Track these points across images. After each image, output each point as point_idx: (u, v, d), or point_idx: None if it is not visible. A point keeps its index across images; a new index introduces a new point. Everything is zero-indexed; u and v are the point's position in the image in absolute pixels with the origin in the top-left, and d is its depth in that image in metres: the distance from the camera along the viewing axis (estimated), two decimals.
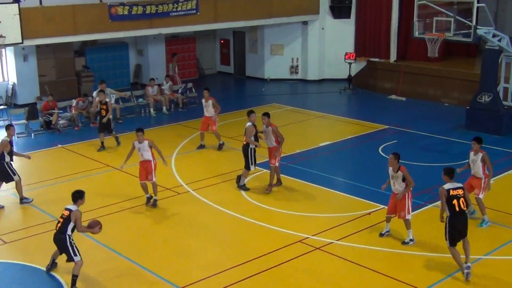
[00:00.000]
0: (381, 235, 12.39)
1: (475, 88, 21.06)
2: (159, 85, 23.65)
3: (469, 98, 21.43)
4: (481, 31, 19.07)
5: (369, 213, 13.58)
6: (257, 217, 13.43)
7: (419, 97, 25.39)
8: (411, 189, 11.96)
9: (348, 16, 28.81)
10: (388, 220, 12.44)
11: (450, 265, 11.12)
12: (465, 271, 10.69)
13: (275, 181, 15.25)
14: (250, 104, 24.93)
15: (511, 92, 20.59)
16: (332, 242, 12.18)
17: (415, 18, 20.41)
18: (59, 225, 10.57)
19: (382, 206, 13.84)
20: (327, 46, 29.15)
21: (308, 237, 12.41)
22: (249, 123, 14.98)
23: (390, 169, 12.00)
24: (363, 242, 12.20)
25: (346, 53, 27.61)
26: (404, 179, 11.88)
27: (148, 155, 13.91)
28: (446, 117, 22.32)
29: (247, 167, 15.02)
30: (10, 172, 14.19)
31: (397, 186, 12.00)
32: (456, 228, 10.68)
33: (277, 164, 15.07)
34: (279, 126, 20.74)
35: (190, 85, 25.36)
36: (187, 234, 12.77)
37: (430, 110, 23.70)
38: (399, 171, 11.87)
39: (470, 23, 19.02)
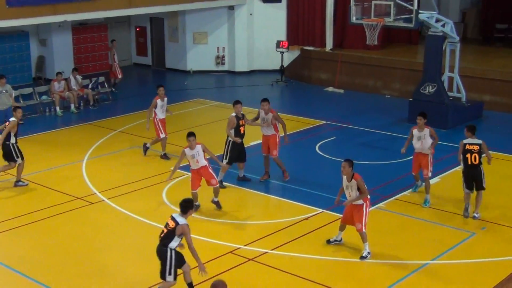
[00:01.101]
0: (329, 242, 12.47)
1: (418, 78, 21.63)
2: (66, 80, 23.18)
3: (412, 89, 22.01)
4: (423, 15, 19.58)
5: (307, 218, 13.73)
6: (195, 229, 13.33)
7: (358, 89, 25.88)
8: (368, 198, 11.99)
9: (279, 0, 29.06)
10: (342, 228, 12.45)
11: (396, 272, 11.38)
12: (473, 215, 13.50)
13: (265, 178, 15.86)
14: (171, 99, 24.74)
15: (456, 82, 21.26)
16: (266, 252, 12.24)
17: (352, 2, 20.79)
18: (162, 235, 10.36)
19: (321, 210, 14.02)
20: (257, 33, 29.30)
21: (239, 247, 12.44)
22: (232, 114, 15.30)
23: (344, 178, 11.93)
24: (301, 250, 12.31)
25: (278, 42, 27.83)
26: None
27: (203, 161, 13.82)
28: (387, 110, 22.82)
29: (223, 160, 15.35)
30: (14, 154, 15.47)
31: (354, 196, 11.96)
32: (467, 179, 13.55)
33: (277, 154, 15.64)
34: (203, 124, 20.95)
35: (101, 79, 25.01)
36: (102, 249, 12.57)
37: (370, 103, 24.19)
38: (353, 180, 11.82)
39: (411, 7, 19.49)
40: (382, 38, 25.79)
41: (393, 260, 11.89)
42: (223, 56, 29.88)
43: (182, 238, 10.29)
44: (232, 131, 15.28)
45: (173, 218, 10.29)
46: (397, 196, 14.88)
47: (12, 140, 15.46)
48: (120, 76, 26.05)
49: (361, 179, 11.83)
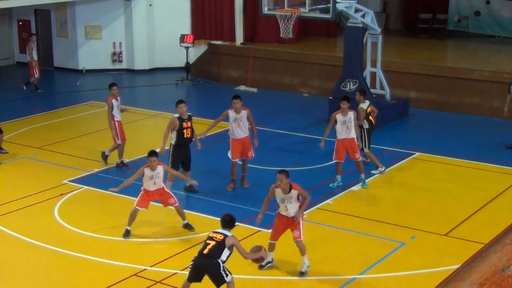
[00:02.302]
0: (261, 267, 12.31)
1: (338, 74, 22.00)
2: None
3: (332, 86, 22.38)
4: (341, 5, 19.91)
5: None
6: (78, 247, 13.13)
7: (273, 87, 26.13)
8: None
9: None
10: (271, 247, 12.37)
11: None
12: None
13: (232, 186, 16.04)
14: (60, 102, 24.37)
15: (379, 77, 21.73)
16: (176, 273, 12.18)
17: None
18: (207, 250, 10.68)
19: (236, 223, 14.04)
20: (158, 27, 29.17)
21: (145, 269, 12.33)
22: (175, 115, 15.32)
23: (278, 191, 11.94)
24: None
25: (182, 36, 27.78)
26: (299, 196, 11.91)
27: (161, 183, 13.66)
28: (305, 110, 23.13)
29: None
30: None
31: (291, 209, 11.93)
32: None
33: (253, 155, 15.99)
34: (99, 130, 20.68)
35: None
36: None
37: (286, 102, 24.46)
38: (293, 190, 11.85)
39: None
40: (297, 31, 26.20)
41: (317, 276, 12.03)
42: (120, 53, 29.60)
43: (232, 251, 10.78)
44: (174, 135, 15.30)
45: (217, 232, 10.88)
46: (318, 205, 15.06)
47: None
48: (36, 76, 25.60)
49: (301, 187, 12.01)
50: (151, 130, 21.11)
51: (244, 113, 15.76)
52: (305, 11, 20.21)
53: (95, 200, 15.60)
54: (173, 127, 15.32)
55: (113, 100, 17.53)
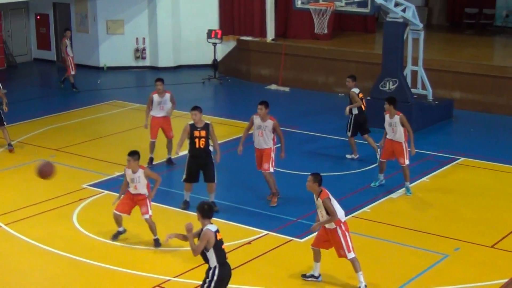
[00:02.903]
0: (304, 276, 12.27)
1: (376, 72, 21.91)
2: None
3: (370, 86, 22.26)
4: None
5: (249, 242, 13.73)
6: (98, 256, 13.21)
7: (306, 87, 26.07)
8: (342, 222, 11.88)
9: None
10: (316, 258, 12.22)
11: None
12: None
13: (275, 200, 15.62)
14: (80, 102, 24.51)
15: (421, 77, 21.59)
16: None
17: None
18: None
19: (266, 232, 14.05)
20: (184, 21, 29.25)
21: (168, 280, 12.36)
22: (189, 122, 15.13)
23: (315, 196, 11.96)
24: (243, 281, 12.27)
25: (210, 31, 27.81)
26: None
27: (143, 190, 13.59)
28: (341, 111, 22.95)
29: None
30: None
31: (323, 218, 11.89)
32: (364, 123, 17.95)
33: (272, 169, 15.46)
34: (120, 131, 20.78)
35: None
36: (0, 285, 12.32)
37: (321, 102, 24.39)
38: (319, 199, 11.79)
39: None
40: (332, 26, 26.21)
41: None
42: (144, 49, 29.73)
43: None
44: (189, 141, 15.12)
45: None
46: (355, 214, 14.99)
47: None
48: (73, 73, 25.90)
49: (328, 199, 11.75)
50: (174, 132, 21.12)
51: (270, 122, 15.44)
52: (341, 4, 20.14)
53: None
54: (186, 135, 15.20)
55: (155, 95, 17.94)
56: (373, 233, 14.16)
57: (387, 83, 20.86)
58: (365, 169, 17.25)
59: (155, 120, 18.08)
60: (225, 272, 10.34)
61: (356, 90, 18.29)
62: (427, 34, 22.04)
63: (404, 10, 20.55)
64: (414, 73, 21.79)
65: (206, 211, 10.41)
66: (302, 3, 20.93)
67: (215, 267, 10.27)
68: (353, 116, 18.20)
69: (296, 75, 26.51)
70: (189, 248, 13.30)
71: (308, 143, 19.72)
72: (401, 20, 20.56)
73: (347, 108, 18.32)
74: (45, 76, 30.18)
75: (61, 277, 12.70)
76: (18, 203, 15.70)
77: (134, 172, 13.45)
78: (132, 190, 13.60)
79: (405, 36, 21.02)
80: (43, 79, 29.62)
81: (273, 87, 26.59)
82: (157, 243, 13.64)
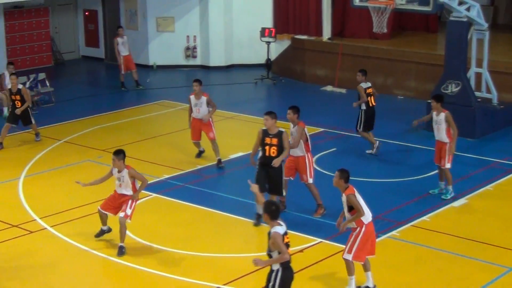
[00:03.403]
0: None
1: (438, 74, 21.75)
2: None
3: (431, 88, 22.11)
4: None
5: (302, 250, 13.75)
6: (147, 262, 13.34)
7: None
8: (366, 223, 11.87)
9: None
10: (366, 266, 12.21)
11: None
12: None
13: (320, 212, 15.53)
14: (128, 101, 24.78)
15: (485, 79, 21.38)
16: None
17: None
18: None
19: (319, 240, 14.05)
20: (236, 19, 29.38)
21: (218, 287, 12.44)
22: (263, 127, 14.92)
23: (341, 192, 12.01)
24: None
25: (263, 29, 27.89)
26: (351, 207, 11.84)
27: (128, 191, 13.80)
28: (400, 115, 22.92)
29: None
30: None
31: (348, 217, 12.00)
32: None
33: (311, 180, 15.46)
34: (169, 132, 20.95)
35: (42, 75, 24.95)
36: None
37: (379, 105, 24.25)
38: (344, 194, 11.87)
39: None
40: (392, 25, 26.06)
41: None
42: (195, 47, 29.93)
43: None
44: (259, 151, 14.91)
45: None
46: (413, 222, 14.93)
47: None
48: (122, 72, 26.34)
49: (353, 195, 11.83)
50: (225, 133, 21.25)
51: (296, 128, 15.16)
52: (402, 2, 20.07)
53: (164, 209, 15.83)
54: (258, 142, 14.91)
55: (191, 96, 18.36)
56: (433, 243, 14.07)
57: (450, 86, 20.70)
58: (426, 175, 17.13)
59: (194, 121, 18.34)
60: (287, 275, 10.27)
61: (364, 85, 19.17)
62: (492, 34, 21.80)
63: (468, 9, 20.37)
64: (478, 76, 21.57)
65: (274, 212, 10.31)
66: (361, 0, 20.90)
67: (277, 270, 10.19)
68: (362, 111, 19.08)
69: (353, 76, 26.19)
70: (239, 254, 13.45)
71: (365, 148, 19.64)
72: (465, 19, 20.38)
73: (355, 104, 19.24)
74: (93, 74, 30.53)
75: (109, 282, 12.86)
76: (64, 205, 15.93)
77: (119, 171, 13.72)
78: (117, 189, 13.85)
79: (469, 37, 20.83)
80: (91, 77, 29.97)
81: (329, 88, 26.57)
82: (120, 251, 13.58)
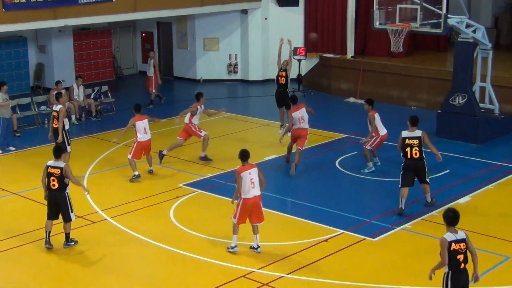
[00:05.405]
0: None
1: (447, 88, 21.61)
2: (67, 89, 23.37)
3: (440, 100, 21.98)
4: (452, 20, 19.59)
5: (326, 240, 13.74)
6: (192, 248, 13.41)
7: (382, 100, 25.81)
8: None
9: (297, 4, 29.21)
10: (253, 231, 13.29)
11: None
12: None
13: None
14: (179, 110, 24.82)
15: (488, 92, 21.22)
16: (282, 276, 12.26)
17: (375, 6, 20.81)
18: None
19: (341, 231, 14.04)
20: (272, 40, 29.37)
21: (253, 271, 12.46)
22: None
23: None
24: (319, 275, 12.31)
25: (295, 48, 27.90)
26: None
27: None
28: None
29: None
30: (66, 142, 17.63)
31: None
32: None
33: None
34: (214, 137, 21.05)
35: (105, 88, 25.18)
36: (106, 272, 12.64)
37: (395, 115, 24.12)
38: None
39: (439, 12, 19.52)
40: (407, 45, 25.94)
41: (420, 286, 11.87)
42: (236, 64, 30.02)
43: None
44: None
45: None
46: (424, 217, 14.86)
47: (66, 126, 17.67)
48: (154, 91, 25.93)
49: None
50: (261, 138, 21.28)
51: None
52: (416, 25, 19.94)
53: (208, 204, 15.90)
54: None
55: (198, 106, 18.89)
56: (441, 235, 13.76)
57: (457, 98, 20.57)
58: (434, 176, 17.04)
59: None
60: (458, 279, 9.90)
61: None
62: (495, 53, 21.60)
63: (474, 31, 20.24)
64: (483, 89, 21.40)
65: (451, 218, 9.94)
66: (380, 24, 20.83)
67: (448, 273, 9.94)
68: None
69: (373, 89, 26.33)
70: (270, 243, 13.45)
71: (383, 152, 19.48)
72: (471, 40, 20.24)
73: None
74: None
75: (158, 265, 12.96)
76: (122, 199, 16.08)
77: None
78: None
79: (474, 55, 20.69)
80: (147, 90, 30.17)
81: (352, 100, 26.51)
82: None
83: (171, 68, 31.33)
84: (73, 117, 22.84)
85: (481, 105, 20.98)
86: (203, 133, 18.69)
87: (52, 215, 13.35)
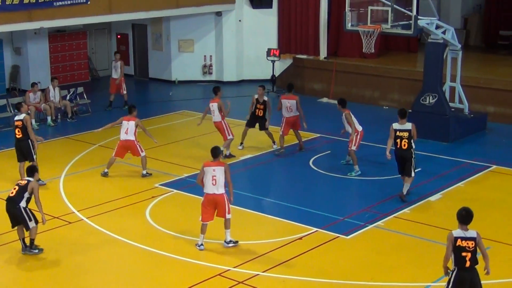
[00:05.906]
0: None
1: (418, 88, 21.72)
2: (43, 91, 23.17)
3: (412, 100, 22.09)
4: (422, 22, 19.71)
5: (301, 238, 13.74)
6: (167, 247, 13.35)
7: (355, 100, 25.87)
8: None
9: (270, 6, 29.19)
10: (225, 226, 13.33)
11: None
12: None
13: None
14: (154, 111, 24.79)
15: (458, 92, 21.37)
16: (258, 274, 12.24)
17: (347, 8, 20.86)
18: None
19: (316, 229, 14.04)
20: (246, 41, 29.40)
21: (229, 269, 12.43)
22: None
23: None
24: (294, 272, 12.31)
25: (269, 50, 27.91)
26: None
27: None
28: (385, 123, 22.56)
29: None
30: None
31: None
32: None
33: None
34: (189, 137, 20.98)
35: (80, 89, 25.02)
36: (82, 273, 12.55)
37: (367, 114, 24.18)
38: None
39: (410, 13, 19.62)
40: (379, 46, 26.08)
41: (392, 282, 11.91)
42: (211, 65, 29.95)
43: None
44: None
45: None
46: (396, 214, 14.91)
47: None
48: (124, 92, 25.42)
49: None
50: (235, 138, 21.25)
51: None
52: (387, 27, 20.02)
53: (184, 203, 15.84)
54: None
55: (211, 104, 19.09)
56: (412, 232, 14.05)
57: (428, 98, 20.68)
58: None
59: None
60: (462, 276, 9.93)
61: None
62: (464, 54, 21.79)
63: (444, 32, 20.38)
64: (452, 89, 21.56)
65: (464, 217, 10.28)
66: (352, 25, 20.88)
67: (454, 270, 9.97)
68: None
69: (346, 90, 26.40)
70: (247, 241, 13.42)
71: (356, 151, 19.60)
72: (441, 41, 20.38)
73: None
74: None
75: (134, 264, 12.89)
76: (99, 199, 15.96)
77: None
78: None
79: (444, 56, 20.82)
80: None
81: (325, 100, 26.56)
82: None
83: (146, 70, 31.18)
84: (48, 118, 22.72)
85: (451, 104, 21.13)
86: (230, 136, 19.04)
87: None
